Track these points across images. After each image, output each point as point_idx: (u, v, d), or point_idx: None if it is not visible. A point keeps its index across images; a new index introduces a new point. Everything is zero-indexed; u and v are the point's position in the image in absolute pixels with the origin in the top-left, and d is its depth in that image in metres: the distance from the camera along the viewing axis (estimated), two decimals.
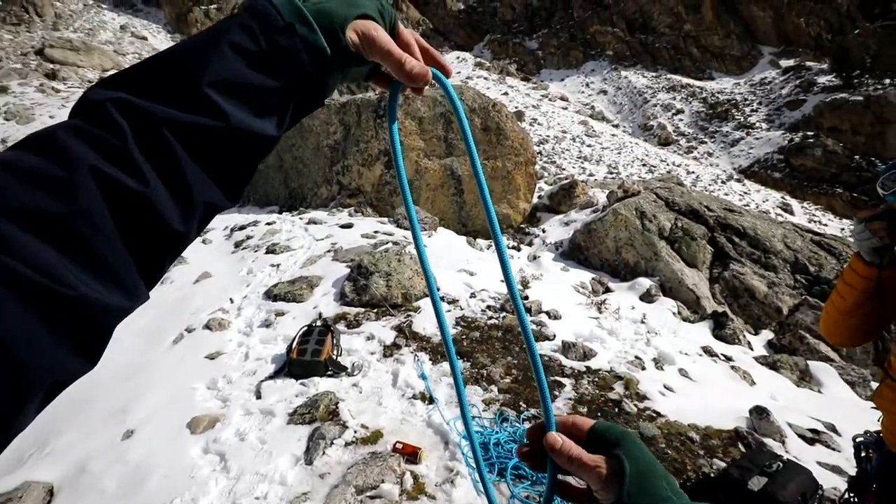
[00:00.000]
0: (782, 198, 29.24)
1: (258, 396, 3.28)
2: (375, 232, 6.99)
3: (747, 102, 46.72)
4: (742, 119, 44.45)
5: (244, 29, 0.40)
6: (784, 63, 50.29)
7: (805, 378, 4.70)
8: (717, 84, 52.03)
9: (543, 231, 9.17)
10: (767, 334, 5.89)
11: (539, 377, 0.51)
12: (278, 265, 5.73)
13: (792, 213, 26.30)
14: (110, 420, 3.07)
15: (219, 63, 0.39)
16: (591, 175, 27.46)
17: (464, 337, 4.03)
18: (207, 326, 4.26)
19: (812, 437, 3.33)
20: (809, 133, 37.64)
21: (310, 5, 0.44)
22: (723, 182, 30.40)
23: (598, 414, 3.19)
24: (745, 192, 28.94)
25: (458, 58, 56.87)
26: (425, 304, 4.63)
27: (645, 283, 6.39)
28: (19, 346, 0.28)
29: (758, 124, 43.20)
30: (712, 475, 2.75)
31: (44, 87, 26.02)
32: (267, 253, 6.09)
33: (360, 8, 0.46)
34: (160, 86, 0.37)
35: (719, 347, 4.99)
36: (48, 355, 0.30)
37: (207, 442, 2.85)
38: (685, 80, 52.78)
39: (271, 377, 3.49)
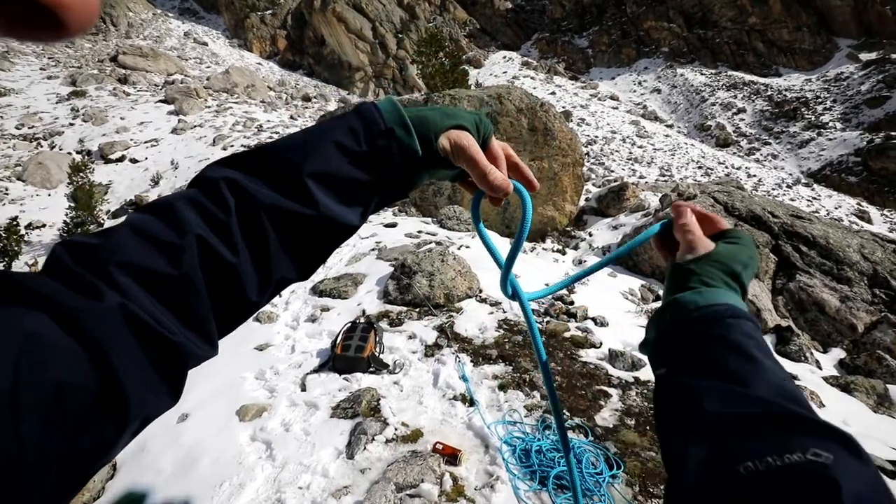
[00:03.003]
0: (858, 204, 26.76)
1: (303, 389, 3.38)
2: (419, 232, 7.05)
3: (819, 100, 43.19)
4: (813, 118, 41.14)
5: (350, 130, 0.46)
6: (864, 56, 46.04)
7: (884, 404, 4.25)
8: (785, 81, 48.47)
9: (590, 235, 8.90)
10: (838, 353, 5.40)
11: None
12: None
13: (870, 221, 24.01)
14: None
15: (322, 158, 0.44)
16: (641, 177, 26.39)
17: (506, 340, 3.96)
18: (257, 319, 4.44)
19: (893, 470, 3.00)
20: (893, 133, 34.21)
21: (412, 111, 0.49)
22: (788, 186, 28.29)
23: (647, 427, 3.03)
24: (815, 198, 26.76)
25: (504, 57, 56.44)
26: (467, 304, 4.60)
27: None
28: (129, 380, 0.31)
29: (831, 124, 39.81)
30: None
31: (116, 91, 28.41)
32: None
33: (456, 119, 0.50)
34: (268, 172, 0.43)
35: (783, 364, 4.61)
36: (148, 391, 0.34)
37: (255, 430, 2.96)
38: (748, 77, 49.55)
39: (316, 371, 3.59)
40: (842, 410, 3.88)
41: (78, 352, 0.29)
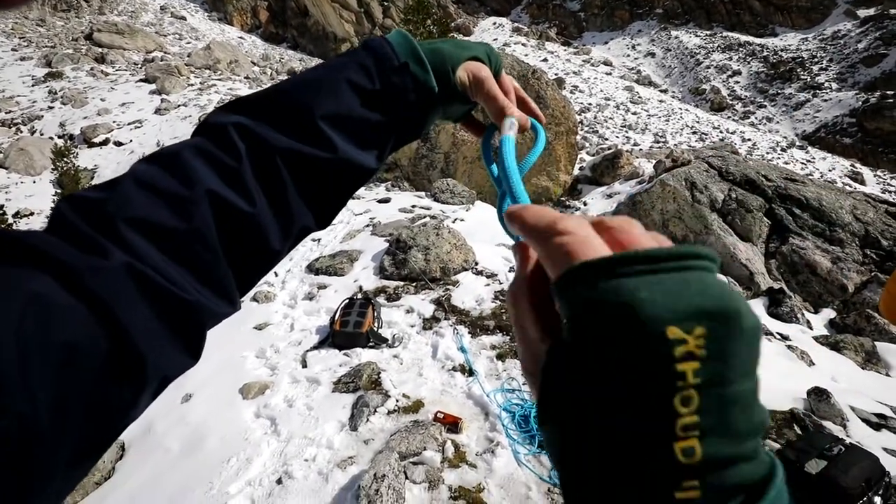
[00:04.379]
0: (852, 166, 26.77)
1: (304, 365, 3.42)
2: (413, 206, 7.00)
3: (816, 60, 42.53)
4: (809, 79, 40.63)
5: (361, 67, 0.43)
6: (862, 13, 45.08)
7: (871, 360, 4.37)
8: (781, 41, 47.54)
9: (585, 204, 8.88)
10: (829, 313, 5.51)
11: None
12: (319, 240, 5.87)
13: (863, 182, 24.09)
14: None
15: (334, 98, 0.41)
16: (635, 144, 26.18)
17: (503, 311, 4.00)
18: (254, 299, 4.45)
19: (878, 423, 3.11)
20: (889, 92, 33.90)
21: (424, 44, 0.46)
22: (783, 149, 28.19)
23: None
24: (809, 160, 26.73)
25: (494, 24, 54.81)
26: (463, 277, 4.62)
27: None
28: (142, 339, 0.30)
29: (827, 84, 39.36)
30: None
31: (94, 71, 27.42)
32: None
33: (471, 51, 0.48)
34: (278, 115, 0.40)
35: (774, 326, 4.71)
36: (164, 350, 0.33)
37: (259, 407, 3.02)
38: (744, 38, 48.54)
39: (316, 347, 3.62)
40: (831, 368, 3.99)
41: (84, 312, 0.28)
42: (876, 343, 4.54)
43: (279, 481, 2.44)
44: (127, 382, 0.30)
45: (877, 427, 3.07)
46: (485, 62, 0.49)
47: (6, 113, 22.08)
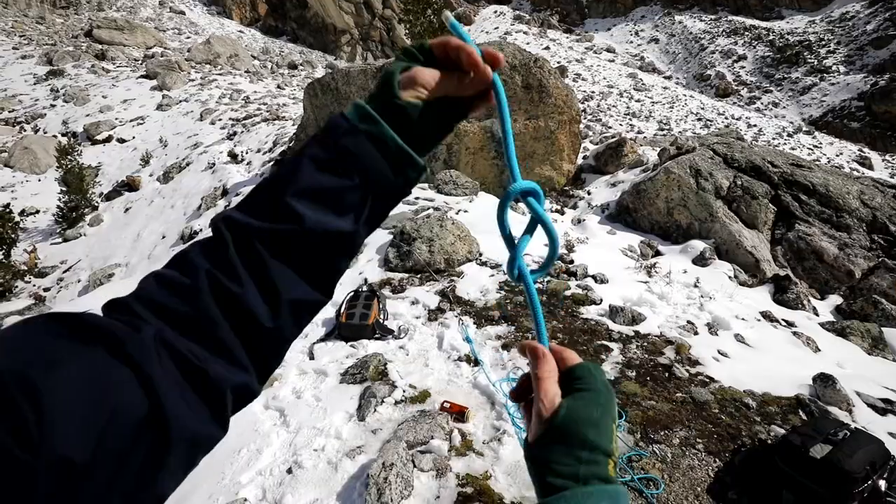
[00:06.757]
0: (860, 150, 26.42)
1: (311, 357, 3.45)
2: (416, 198, 6.99)
3: (823, 43, 41.76)
4: (816, 63, 39.94)
5: (318, 142, 0.47)
6: None
7: (878, 346, 4.36)
8: (788, 24, 46.69)
9: (589, 193, 8.83)
10: (835, 299, 5.48)
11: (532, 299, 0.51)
12: None
13: (871, 167, 23.80)
14: None
15: (299, 176, 0.46)
16: (640, 132, 25.92)
17: (508, 301, 4.02)
18: None
19: (884, 408, 3.11)
20: None
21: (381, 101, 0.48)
22: (789, 135, 27.84)
23: (648, 378, 3.12)
24: (816, 146, 26.40)
25: (495, 12, 54.19)
26: (467, 268, 4.64)
27: (699, 245, 6.06)
28: (169, 401, 0.35)
29: (834, 67, 38.69)
30: (770, 442, 2.64)
31: (95, 68, 27.38)
32: None
33: (404, 61, 0.49)
34: (257, 203, 0.46)
35: (780, 312, 4.70)
36: (189, 413, 0.37)
37: (267, 399, 3.05)
38: (749, 22, 47.69)
39: (322, 339, 3.65)
40: (837, 354, 3.99)
41: (126, 372, 0.33)
42: (883, 329, 4.53)
43: (289, 471, 2.48)
44: (155, 441, 0.34)
45: (883, 412, 3.07)
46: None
47: (9, 112, 22.16)
